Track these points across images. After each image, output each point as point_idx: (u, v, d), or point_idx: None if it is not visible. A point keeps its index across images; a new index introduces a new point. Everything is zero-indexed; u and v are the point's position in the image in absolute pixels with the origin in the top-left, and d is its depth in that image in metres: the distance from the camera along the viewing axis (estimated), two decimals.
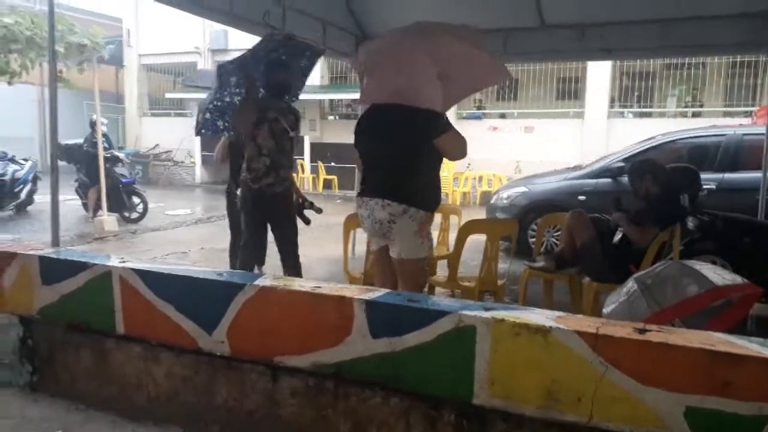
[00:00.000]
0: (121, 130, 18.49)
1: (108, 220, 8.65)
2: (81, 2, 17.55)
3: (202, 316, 2.36)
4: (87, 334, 2.64)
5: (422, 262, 2.91)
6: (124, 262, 2.59)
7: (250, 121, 3.94)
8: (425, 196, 2.93)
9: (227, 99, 4.23)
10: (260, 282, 2.26)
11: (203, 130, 4.36)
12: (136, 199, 9.47)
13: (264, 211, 4.12)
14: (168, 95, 17.64)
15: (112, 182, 9.16)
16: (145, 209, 9.44)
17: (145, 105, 18.96)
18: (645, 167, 4.22)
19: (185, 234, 8.56)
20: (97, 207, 8.92)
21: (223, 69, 4.02)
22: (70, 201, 9.56)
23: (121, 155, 9.87)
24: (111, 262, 2.60)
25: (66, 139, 9.25)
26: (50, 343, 2.77)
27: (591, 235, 4.04)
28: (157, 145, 17.25)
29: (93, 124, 9.14)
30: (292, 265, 4.17)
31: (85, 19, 14.13)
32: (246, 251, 4.16)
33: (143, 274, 2.47)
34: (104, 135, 9.19)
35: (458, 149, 2.95)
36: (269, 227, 4.19)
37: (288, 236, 4.25)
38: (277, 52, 4.05)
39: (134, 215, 9.43)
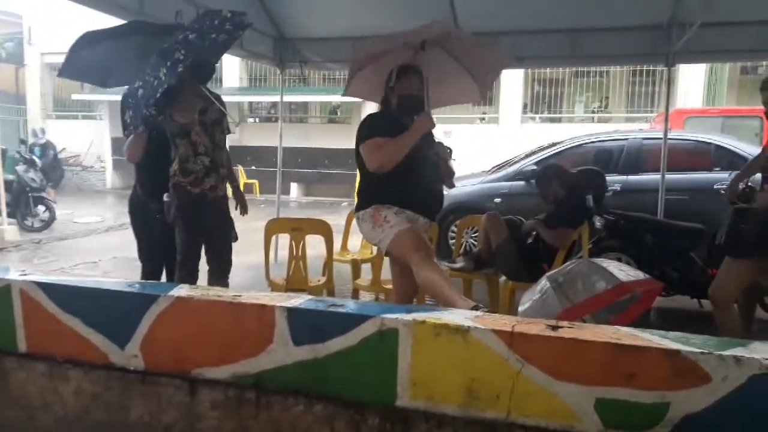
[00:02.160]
0: (23, 132, 17.30)
1: (9, 229, 8.07)
2: None
3: (114, 329, 2.24)
4: None
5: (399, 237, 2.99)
6: (25, 274, 2.42)
7: (194, 108, 3.57)
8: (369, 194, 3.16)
9: (149, 80, 3.52)
10: (175, 292, 2.18)
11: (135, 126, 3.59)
12: (41, 207, 8.90)
13: (204, 220, 3.70)
14: (75, 96, 16.69)
15: (20, 187, 8.60)
16: (51, 218, 8.90)
17: (49, 106, 17.86)
18: (550, 173, 4.44)
19: (96, 243, 8.14)
20: None
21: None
22: None
23: (36, 159, 9.27)
24: (10, 275, 2.42)
25: None
26: None
27: (505, 236, 4.19)
28: (64, 148, 16.27)
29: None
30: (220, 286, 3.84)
31: None
32: (184, 271, 3.69)
33: (47, 287, 2.32)
34: (41, 145, 8.66)
35: (367, 160, 3.05)
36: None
37: (224, 253, 3.86)
38: (194, 30, 3.56)
39: (37, 224, 8.86)
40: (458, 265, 4.38)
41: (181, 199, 3.65)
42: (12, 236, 8.02)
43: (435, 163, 3.11)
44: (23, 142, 11.57)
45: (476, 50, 3.56)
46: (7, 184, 8.25)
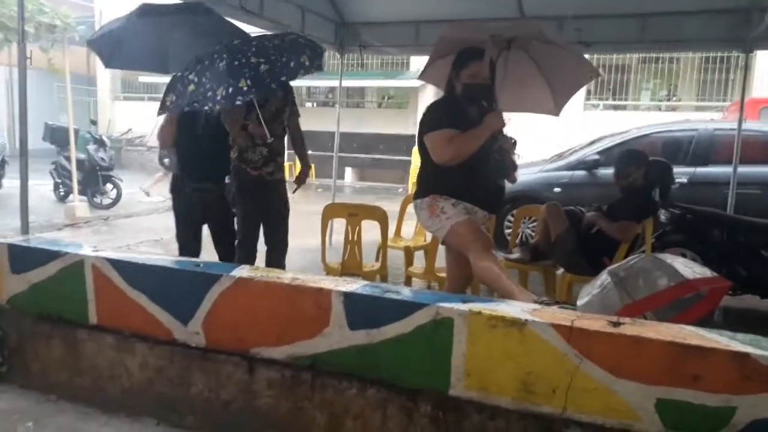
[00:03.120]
0: (93, 113, 18.08)
1: (79, 205, 8.48)
2: None
3: (177, 306, 2.33)
4: (58, 324, 2.59)
5: (451, 233, 3.00)
6: (97, 251, 2.55)
7: (241, 109, 3.59)
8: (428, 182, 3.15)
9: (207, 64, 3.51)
10: (237, 273, 2.24)
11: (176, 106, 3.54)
12: (109, 186, 9.31)
13: (263, 201, 3.80)
14: (141, 79, 17.29)
15: (91, 166, 9.02)
16: (119, 196, 9.29)
17: (117, 88, 18.59)
18: (642, 159, 4.24)
19: (159, 221, 8.44)
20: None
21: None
22: (41, 185, 9.35)
23: (105, 140, 9.71)
24: (83, 251, 2.55)
25: (36, 120, 9.08)
26: (20, 333, 2.71)
27: (565, 227, 4.09)
28: (130, 129, 16.92)
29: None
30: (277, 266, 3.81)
31: None
32: (243, 250, 3.79)
33: (117, 264, 2.43)
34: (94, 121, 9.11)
35: (435, 152, 3.00)
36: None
37: (281, 234, 3.93)
38: (275, 40, 3.66)
39: (106, 201, 9.27)
40: (515, 255, 4.32)
41: (240, 180, 3.77)
42: (82, 212, 8.42)
43: (500, 158, 3.07)
44: (93, 122, 12.08)
45: (561, 61, 3.47)
46: (79, 163, 8.66)
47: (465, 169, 2.95)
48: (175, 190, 3.95)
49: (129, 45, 3.91)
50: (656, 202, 4.17)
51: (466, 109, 3.04)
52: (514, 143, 3.16)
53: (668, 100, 14.57)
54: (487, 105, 3.04)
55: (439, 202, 3.01)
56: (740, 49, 5.20)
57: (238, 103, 3.31)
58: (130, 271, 2.42)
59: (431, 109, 3.13)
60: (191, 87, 3.40)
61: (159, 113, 3.60)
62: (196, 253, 3.84)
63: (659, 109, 14.12)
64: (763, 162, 6.05)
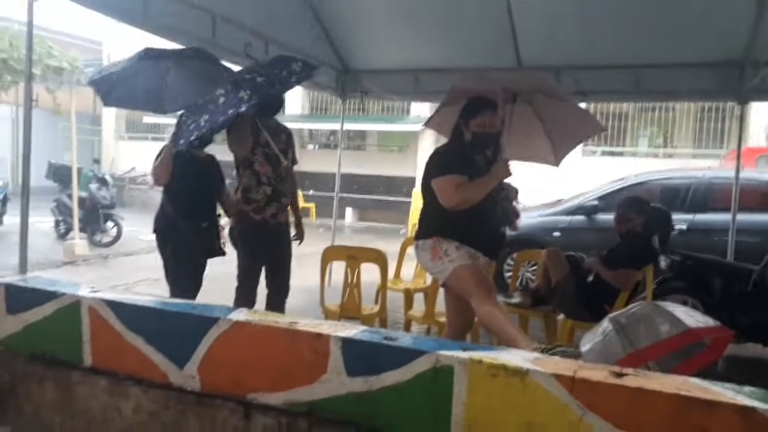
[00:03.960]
0: (96, 152, 18.25)
1: (79, 243, 8.47)
2: (60, 25, 17.46)
3: (174, 349, 2.30)
4: (52, 365, 2.55)
5: (453, 276, 2.99)
6: (95, 291, 2.53)
7: (248, 142, 3.64)
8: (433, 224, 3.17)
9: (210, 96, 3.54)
10: (234, 316, 2.22)
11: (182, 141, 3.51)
12: (110, 224, 9.33)
13: (266, 246, 3.77)
14: (146, 119, 17.53)
15: (92, 204, 9.07)
16: (119, 234, 9.30)
17: (122, 128, 18.83)
18: (643, 206, 4.26)
19: (158, 259, 8.42)
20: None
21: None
22: (42, 223, 9.37)
23: (108, 178, 9.78)
24: (81, 291, 2.53)
25: (40, 158, 9.18)
26: (13, 373, 2.66)
27: (566, 272, 4.09)
28: (134, 168, 17.06)
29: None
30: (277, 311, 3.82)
31: (64, 41, 14.06)
32: (242, 295, 3.76)
33: (114, 305, 2.41)
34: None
35: (443, 197, 3.02)
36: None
37: (283, 279, 3.91)
38: (263, 75, 3.65)
39: (106, 239, 9.27)
40: (515, 300, 4.29)
41: (242, 225, 3.77)
42: (81, 250, 8.40)
43: (504, 206, 3.12)
44: (97, 161, 12.19)
45: (565, 115, 3.60)
46: (80, 201, 8.70)
47: (470, 214, 2.98)
48: (164, 229, 3.92)
49: (126, 84, 3.98)
50: (656, 249, 4.17)
51: (473, 157, 3.10)
52: (516, 192, 3.21)
53: (665, 147, 14.73)
54: (491, 154, 3.09)
55: (442, 244, 3.02)
56: (735, 100, 5.29)
57: (242, 109, 3.33)
58: (127, 312, 2.39)
59: (439, 154, 3.17)
60: (202, 118, 3.41)
61: (173, 149, 3.60)
62: (195, 292, 3.82)
63: (656, 156, 14.28)
64: (762, 210, 6.08)
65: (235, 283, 3.83)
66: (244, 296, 3.76)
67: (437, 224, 3.08)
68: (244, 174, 3.77)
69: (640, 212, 4.16)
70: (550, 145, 3.81)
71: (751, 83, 4.79)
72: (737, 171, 5.42)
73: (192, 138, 3.35)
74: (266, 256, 3.83)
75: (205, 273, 4.02)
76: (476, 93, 3.18)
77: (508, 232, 3.41)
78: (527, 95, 3.42)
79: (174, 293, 3.82)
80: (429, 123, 3.76)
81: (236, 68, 4.19)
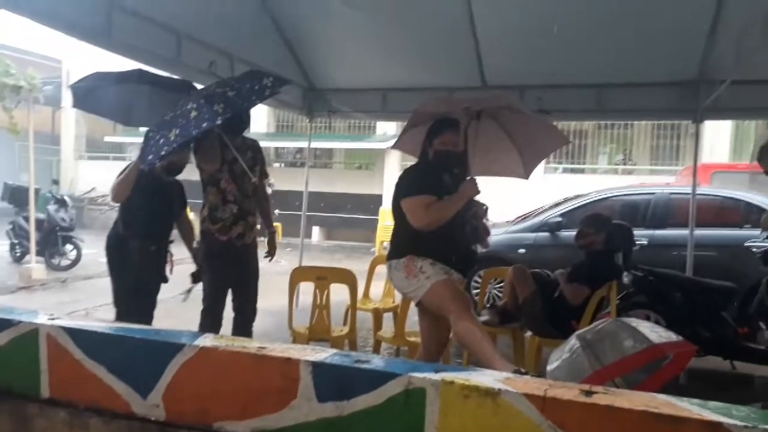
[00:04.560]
0: (55, 172, 17.77)
1: (36, 267, 8.21)
2: (18, 42, 17.04)
3: (137, 377, 2.22)
4: (8, 398, 2.44)
5: (431, 293, 2.99)
6: (53, 318, 2.43)
7: (217, 158, 3.58)
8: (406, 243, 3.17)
9: (180, 110, 3.47)
10: (200, 342, 2.16)
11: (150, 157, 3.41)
12: (69, 246, 9.06)
13: (232, 269, 3.70)
14: (107, 139, 17.20)
15: (50, 226, 8.80)
16: (78, 257, 9.04)
17: (82, 147, 18.42)
18: (604, 224, 4.35)
19: None
20: None
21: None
22: None
23: (67, 199, 9.52)
24: (39, 319, 2.44)
25: None
26: None
27: (532, 289, 4.13)
28: (94, 188, 16.66)
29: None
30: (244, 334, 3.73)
31: (22, 58, 13.72)
32: (208, 319, 3.68)
33: (73, 333, 2.32)
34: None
35: (412, 217, 3.03)
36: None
37: (250, 302, 3.83)
38: (234, 89, 3.64)
39: (65, 262, 9.00)
40: (483, 318, 4.31)
41: (208, 246, 3.71)
42: (39, 274, 8.14)
43: (474, 224, 3.14)
44: (55, 182, 11.87)
45: (531, 129, 3.68)
46: (38, 223, 8.43)
47: (441, 233, 2.99)
48: (113, 248, 3.83)
49: (105, 94, 4.04)
50: (618, 266, 4.25)
51: (440, 176, 3.12)
52: (486, 209, 3.24)
53: (624, 163, 15.16)
54: (459, 173, 3.12)
55: (416, 262, 3.03)
56: (691, 119, 5.47)
57: (218, 122, 3.29)
58: (87, 340, 2.31)
59: (408, 175, 3.21)
60: (171, 132, 3.34)
61: (141, 166, 3.53)
62: (144, 317, 3.72)
63: (616, 172, 14.67)
64: (718, 225, 6.27)
65: (199, 307, 3.75)
66: (210, 320, 3.67)
67: (410, 243, 3.09)
68: (210, 192, 3.71)
69: (599, 230, 4.25)
70: (518, 157, 3.88)
71: (705, 102, 4.97)
72: (694, 187, 5.58)
73: (162, 153, 3.27)
74: (232, 278, 3.76)
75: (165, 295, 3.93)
76: (439, 114, 3.22)
77: (479, 249, 3.43)
78: (492, 111, 3.48)
79: (119, 316, 3.72)
80: (396, 145, 3.80)
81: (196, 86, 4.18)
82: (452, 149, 3.09)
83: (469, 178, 3.10)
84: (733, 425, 1.54)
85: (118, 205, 3.82)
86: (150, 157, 3.33)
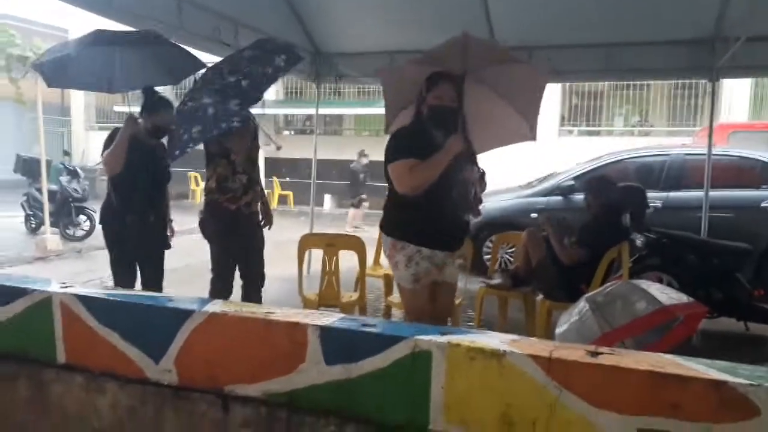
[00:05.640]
0: (66, 143, 17.87)
1: (51, 238, 8.32)
2: (23, 12, 16.95)
3: (149, 343, 2.26)
4: (24, 363, 2.49)
5: (402, 290, 2.99)
6: (65, 287, 2.47)
7: (248, 135, 3.59)
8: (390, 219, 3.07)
9: (197, 103, 3.48)
10: (210, 308, 2.19)
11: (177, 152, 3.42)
12: (82, 217, 9.16)
13: (241, 237, 3.72)
14: (117, 108, 17.20)
15: (63, 197, 8.89)
16: (92, 228, 9.14)
17: (92, 118, 18.45)
18: (606, 187, 4.31)
19: None
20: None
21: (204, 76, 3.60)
22: (12, 218, 9.17)
23: (78, 170, 9.59)
24: (51, 287, 2.47)
25: (7, 151, 8.99)
26: None
27: (545, 253, 4.11)
28: None
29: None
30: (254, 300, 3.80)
31: (27, 29, 13.67)
32: (219, 286, 3.71)
33: (86, 301, 2.36)
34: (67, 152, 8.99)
35: (396, 183, 2.93)
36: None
37: (259, 268, 3.87)
38: (248, 59, 3.64)
39: (79, 233, 9.11)
40: (495, 281, 4.32)
41: (218, 216, 3.71)
42: (54, 245, 8.25)
43: (462, 190, 2.95)
44: (67, 153, 11.95)
45: (517, 79, 3.43)
46: (51, 195, 8.52)
47: (427, 204, 2.87)
48: (110, 222, 3.81)
49: (74, 65, 3.82)
50: (625, 227, 4.21)
51: (433, 136, 2.95)
52: (482, 174, 3.05)
53: (641, 125, 14.90)
54: (453, 130, 2.93)
55: (396, 253, 2.97)
56: (707, 78, 5.34)
57: (235, 124, 3.32)
58: (100, 307, 2.35)
59: (395, 138, 3.05)
60: (194, 129, 3.35)
61: (169, 159, 3.54)
62: (131, 284, 3.76)
63: (632, 134, 14.43)
64: (735, 186, 6.18)
65: (205, 275, 3.79)
66: (220, 288, 3.72)
67: (394, 221, 3.04)
68: (219, 164, 3.69)
69: (597, 193, 4.22)
70: (520, 118, 3.63)
71: (720, 60, 4.84)
72: (709, 148, 5.49)
73: (187, 149, 3.31)
74: (241, 246, 3.78)
75: (169, 266, 3.96)
76: (418, 83, 3.05)
77: (486, 211, 3.36)
78: (476, 74, 3.25)
79: (115, 284, 3.76)
80: (389, 130, 3.50)
81: (201, 54, 4.11)
82: (448, 104, 2.90)
83: (455, 134, 2.89)
84: (738, 383, 1.54)
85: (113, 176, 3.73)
86: (177, 152, 3.36)
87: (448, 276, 3.11)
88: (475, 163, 3.07)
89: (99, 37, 3.73)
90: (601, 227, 4.10)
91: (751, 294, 4.53)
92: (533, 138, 3.73)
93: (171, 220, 4.05)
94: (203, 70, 3.74)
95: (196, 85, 3.56)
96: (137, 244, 3.74)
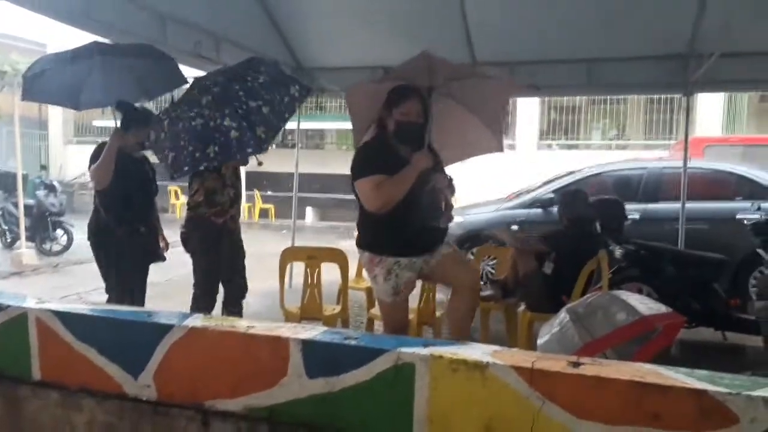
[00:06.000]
0: (44, 157, 17.62)
1: (27, 252, 8.17)
2: (2, 27, 16.75)
3: (127, 359, 2.23)
4: None
5: (381, 303, 2.99)
6: (41, 302, 2.43)
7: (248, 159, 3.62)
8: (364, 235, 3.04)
9: (193, 122, 3.44)
10: (190, 322, 2.16)
11: (186, 168, 3.40)
12: (59, 231, 9.02)
13: (227, 251, 3.72)
14: (96, 123, 17.02)
15: (40, 211, 8.76)
16: (70, 242, 9.01)
17: (70, 132, 18.24)
18: (571, 200, 4.40)
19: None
20: None
21: (198, 84, 3.54)
22: None
23: (56, 184, 9.46)
24: (27, 303, 2.43)
25: None
26: None
27: (533, 265, 4.15)
28: (84, 173, 16.52)
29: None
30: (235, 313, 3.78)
31: (5, 44, 13.51)
32: (200, 302, 3.66)
33: (63, 316, 2.32)
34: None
35: (365, 201, 2.91)
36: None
37: (242, 281, 3.87)
38: (259, 78, 3.61)
39: (56, 248, 8.96)
40: (487, 293, 4.34)
41: (203, 230, 3.68)
42: (30, 260, 8.10)
43: (432, 199, 2.95)
44: (44, 167, 11.78)
45: (483, 92, 3.43)
46: (27, 209, 8.38)
47: (397, 217, 2.85)
48: (100, 236, 3.73)
49: (49, 79, 3.77)
50: (600, 237, 4.27)
51: (399, 151, 2.94)
52: (450, 180, 3.03)
53: (618, 138, 15.14)
54: (420, 146, 2.93)
55: (374, 267, 2.98)
56: (681, 92, 5.46)
57: (263, 152, 3.45)
58: (77, 323, 2.30)
59: (359, 155, 3.02)
60: (210, 148, 3.34)
61: (174, 174, 3.47)
62: (140, 301, 3.71)
63: (610, 147, 14.66)
64: (710, 198, 6.30)
65: (186, 290, 3.75)
66: (204, 304, 3.68)
67: (368, 236, 3.04)
68: (208, 177, 3.67)
69: (563, 207, 4.31)
70: (487, 130, 3.65)
71: (694, 76, 4.95)
72: (685, 161, 5.60)
73: (201, 168, 3.37)
74: (226, 258, 3.76)
75: (149, 280, 3.91)
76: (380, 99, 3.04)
77: (466, 223, 3.40)
78: (443, 88, 3.27)
79: (113, 301, 3.68)
80: (357, 142, 3.51)
81: (183, 69, 4.09)
82: (414, 120, 2.88)
83: (420, 150, 2.88)
84: (717, 392, 1.56)
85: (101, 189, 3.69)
86: (186, 168, 3.35)
87: (436, 262, 3.05)
88: (442, 171, 3.07)
89: (87, 50, 3.69)
90: (575, 239, 4.15)
91: (727, 304, 4.60)
92: (500, 149, 3.76)
93: (162, 229, 3.99)
94: (195, 79, 3.70)
95: (191, 96, 3.50)
96: (129, 256, 3.68)
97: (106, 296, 3.87)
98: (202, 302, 3.69)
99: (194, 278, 3.76)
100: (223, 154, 3.29)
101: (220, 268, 3.76)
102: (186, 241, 3.79)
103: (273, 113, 3.42)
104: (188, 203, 3.77)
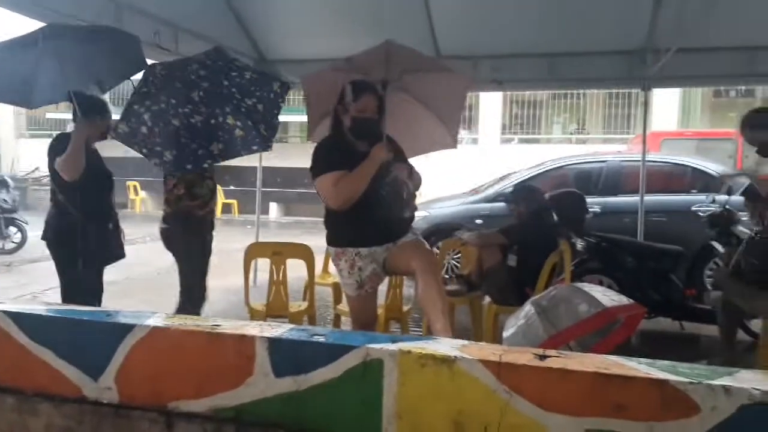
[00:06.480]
0: None
1: None
2: None
3: (87, 361, 2.15)
4: None
5: (348, 298, 3.02)
6: None
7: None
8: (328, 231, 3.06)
9: (191, 119, 3.35)
10: (152, 322, 2.11)
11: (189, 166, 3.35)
12: (13, 229, 8.71)
13: (208, 242, 3.73)
14: (49, 115, 16.46)
15: None
16: (23, 239, 8.70)
17: (22, 125, 17.60)
18: (517, 194, 4.51)
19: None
20: None
21: (177, 76, 3.39)
22: None
23: (8, 180, 9.09)
24: None
25: None
26: None
27: (498, 259, 4.19)
28: (37, 168, 15.97)
29: None
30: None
31: None
32: (195, 296, 3.65)
33: (17, 317, 2.23)
34: None
35: (325, 199, 2.92)
36: None
37: (205, 271, 3.84)
38: (245, 74, 3.58)
39: (9, 245, 8.65)
40: (453, 288, 4.36)
41: (187, 223, 3.62)
42: None
43: (394, 189, 2.95)
44: None
45: (439, 87, 3.43)
46: None
47: (359, 210, 2.85)
48: (64, 232, 3.49)
49: (38, 78, 3.40)
50: (559, 228, 4.35)
51: (355, 146, 2.93)
52: (411, 168, 3.03)
53: (578, 133, 15.45)
54: (376, 140, 2.93)
55: (339, 260, 2.99)
56: (639, 87, 5.58)
57: (269, 149, 3.55)
58: (33, 324, 2.22)
59: (317, 152, 3.00)
60: (214, 145, 3.36)
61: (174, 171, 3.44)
62: (99, 299, 3.60)
63: (570, 141, 14.95)
64: (667, 190, 6.47)
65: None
66: (197, 298, 3.67)
67: (332, 231, 3.04)
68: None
69: (526, 203, 4.39)
70: (442, 126, 3.65)
71: (652, 70, 5.06)
72: (643, 155, 5.73)
73: (205, 165, 3.42)
74: (205, 251, 3.78)
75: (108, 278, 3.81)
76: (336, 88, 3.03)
77: (432, 216, 3.42)
78: (398, 82, 3.26)
79: (75, 303, 3.54)
80: (312, 137, 3.55)
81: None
82: (370, 116, 2.89)
83: (379, 143, 2.88)
84: (679, 382, 1.60)
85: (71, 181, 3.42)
86: (189, 166, 3.32)
87: (399, 247, 3.01)
88: (404, 160, 3.07)
89: (32, 38, 3.36)
90: (534, 232, 4.21)
91: (684, 294, 4.74)
92: (454, 146, 3.77)
93: (121, 228, 3.86)
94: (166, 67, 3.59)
95: (174, 89, 3.37)
96: (96, 254, 3.53)
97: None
98: (194, 294, 3.68)
99: (180, 276, 3.69)
100: (227, 151, 3.33)
101: (206, 262, 3.73)
102: (169, 238, 3.67)
103: (266, 111, 3.42)
104: (167, 199, 3.67)
